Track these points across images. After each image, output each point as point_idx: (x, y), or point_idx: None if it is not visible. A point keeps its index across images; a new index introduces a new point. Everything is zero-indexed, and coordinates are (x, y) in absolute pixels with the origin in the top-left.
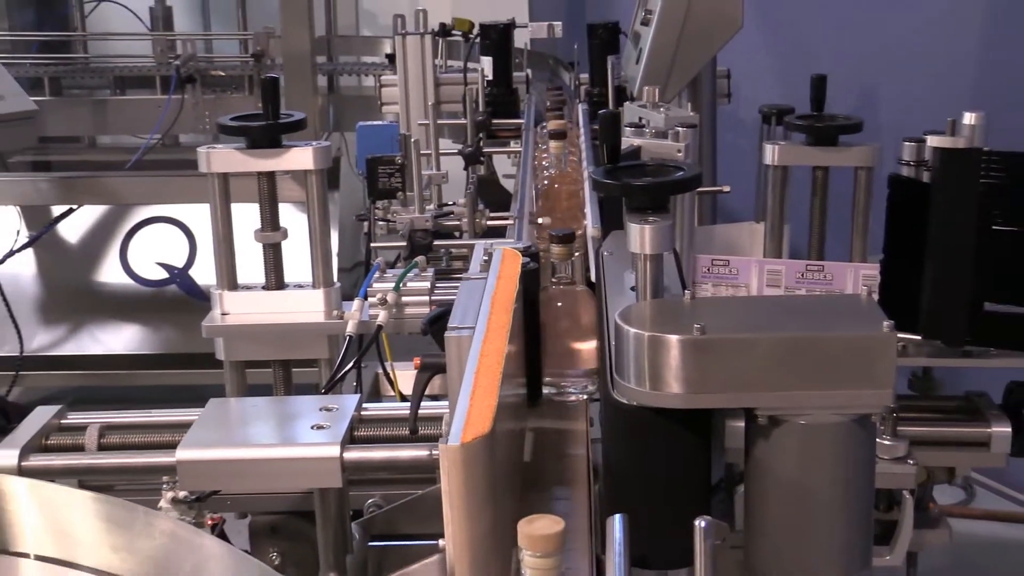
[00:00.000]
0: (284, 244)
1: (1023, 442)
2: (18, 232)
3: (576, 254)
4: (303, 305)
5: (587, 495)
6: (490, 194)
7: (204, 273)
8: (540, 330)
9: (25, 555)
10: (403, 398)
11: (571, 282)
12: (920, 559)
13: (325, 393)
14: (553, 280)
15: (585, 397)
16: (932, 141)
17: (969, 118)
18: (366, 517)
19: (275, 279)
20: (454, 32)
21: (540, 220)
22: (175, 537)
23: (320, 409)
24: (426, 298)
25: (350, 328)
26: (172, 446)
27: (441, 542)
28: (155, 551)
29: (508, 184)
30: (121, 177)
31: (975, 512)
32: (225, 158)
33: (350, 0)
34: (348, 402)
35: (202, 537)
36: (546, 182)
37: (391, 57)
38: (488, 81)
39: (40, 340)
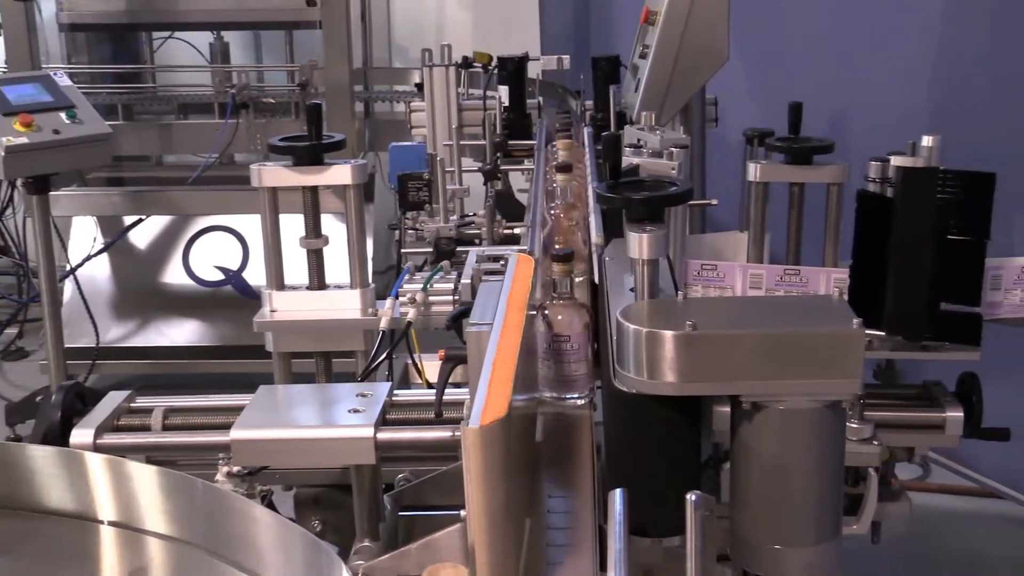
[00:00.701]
0: (325, 250)
1: (974, 425)
2: (94, 239)
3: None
4: (342, 303)
5: (591, 472)
6: (506, 206)
7: (255, 275)
8: None
9: (100, 521)
10: (429, 385)
11: (571, 297)
12: (883, 528)
13: (361, 381)
14: (554, 295)
15: (583, 402)
16: (895, 161)
17: (927, 141)
18: (397, 490)
19: (317, 280)
20: (475, 64)
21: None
22: (229, 507)
23: (356, 395)
24: (450, 298)
25: (383, 324)
26: (227, 427)
27: (462, 512)
28: (211, 519)
29: (522, 197)
30: (183, 191)
31: (931, 486)
32: (274, 174)
33: (383, 36)
34: (381, 389)
35: (253, 507)
36: (552, 212)
37: (419, 86)
38: (504, 107)
39: (113, 333)
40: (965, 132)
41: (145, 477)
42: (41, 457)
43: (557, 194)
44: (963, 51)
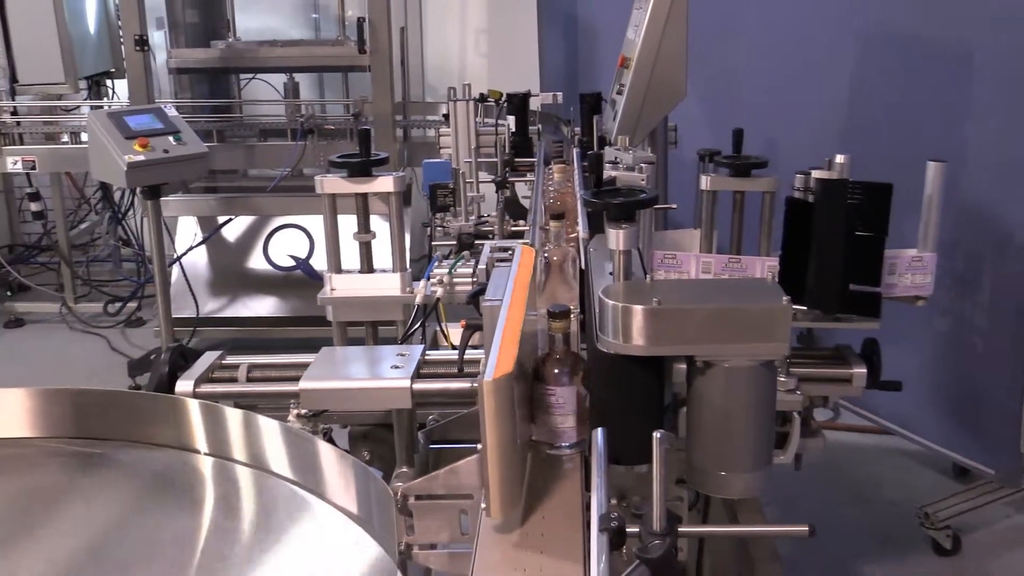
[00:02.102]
0: (373, 242)
1: (874, 379)
2: (195, 234)
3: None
4: (386, 284)
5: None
6: (513, 209)
7: (319, 261)
8: None
9: (198, 451)
10: (453, 347)
11: (568, 351)
12: (803, 458)
13: (400, 344)
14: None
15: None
16: (815, 174)
17: (840, 158)
18: (428, 428)
19: (367, 266)
20: (489, 99)
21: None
22: (298, 441)
23: (397, 355)
24: (470, 279)
25: (418, 299)
26: (296, 379)
27: (479, 445)
28: (285, 450)
29: (525, 202)
30: (263, 197)
31: (840, 426)
32: (333, 183)
33: (418, 77)
34: (416, 350)
35: (316, 441)
36: (545, 256)
37: (446, 116)
38: (512, 132)
39: (209, 306)
40: (869, 153)
41: (233, 418)
42: (153, 401)
43: (551, 237)
44: (867, 91)
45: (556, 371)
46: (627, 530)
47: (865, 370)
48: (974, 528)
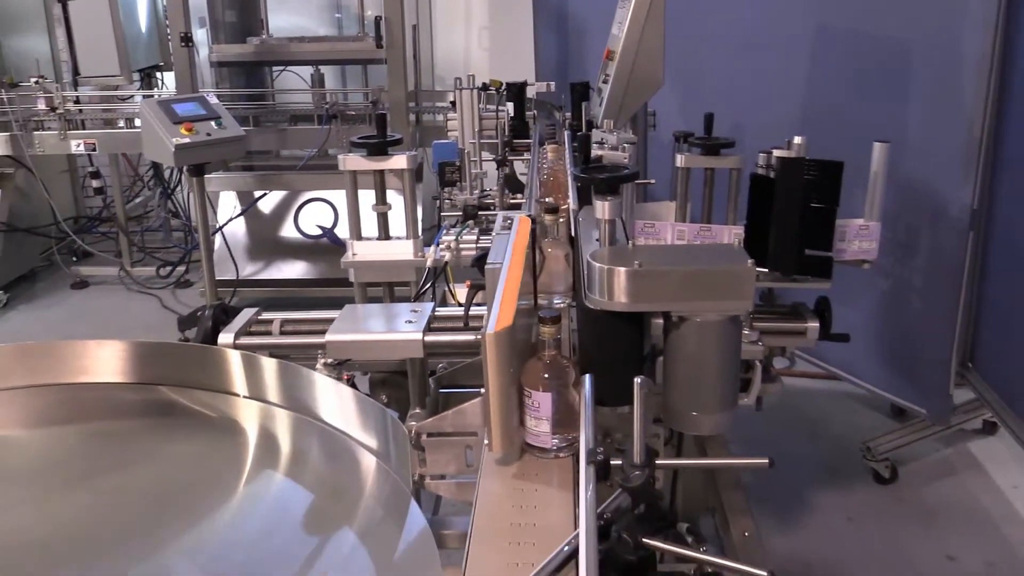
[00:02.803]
0: (389, 213)
1: (825, 332)
2: (234, 207)
3: (559, 335)
4: (400, 249)
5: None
6: (512, 184)
7: (342, 230)
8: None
9: (237, 395)
10: (460, 305)
11: (556, 355)
12: (764, 400)
13: (413, 301)
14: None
15: (565, 304)
16: (776, 153)
17: (797, 140)
18: (438, 375)
19: (384, 234)
20: (490, 88)
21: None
22: (325, 386)
23: (410, 311)
24: (474, 245)
25: (428, 263)
26: (323, 332)
27: (482, 390)
28: (312, 393)
29: (522, 178)
30: (294, 174)
31: (795, 372)
32: (354, 162)
33: (428, 69)
34: (427, 307)
35: (340, 386)
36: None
37: (453, 103)
38: (510, 117)
39: (247, 270)
40: (822, 135)
41: (268, 366)
42: (200, 352)
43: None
44: (820, 81)
45: (546, 375)
46: (611, 463)
47: (817, 324)
48: (909, 460)
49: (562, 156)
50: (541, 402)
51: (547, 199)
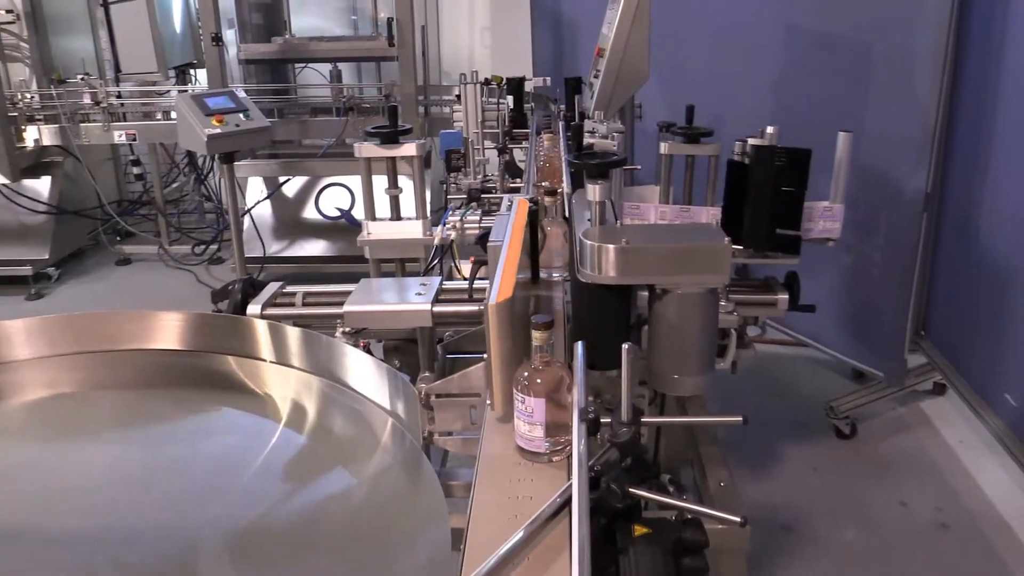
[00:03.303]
0: (400, 196)
1: (793, 303)
2: (261, 191)
3: (552, 341)
4: (411, 229)
5: (563, 331)
6: (511, 170)
7: (359, 212)
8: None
9: (263, 359)
10: (464, 279)
11: (549, 361)
12: (738, 365)
13: (423, 276)
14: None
15: (561, 278)
16: (751, 141)
17: (770, 129)
18: (445, 342)
19: (396, 215)
20: (492, 83)
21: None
22: (343, 351)
23: (420, 284)
24: (477, 225)
25: (436, 241)
26: (341, 303)
27: (485, 355)
28: (332, 359)
29: (521, 164)
30: (315, 161)
31: (767, 340)
32: (369, 149)
33: (436, 65)
34: (435, 281)
35: (357, 352)
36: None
37: (458, 96)
38: (510, 109)
39: (273, 247)
40: (792, 125)
41: (292, 334)
42: (231, 321)
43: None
44: (790, 76)
45: (539, 380)
46: (601, 420)
47: (787, 296)
48: (867, 418)
49: (557, 144)
50: (535, 408)
51: (544, 183)
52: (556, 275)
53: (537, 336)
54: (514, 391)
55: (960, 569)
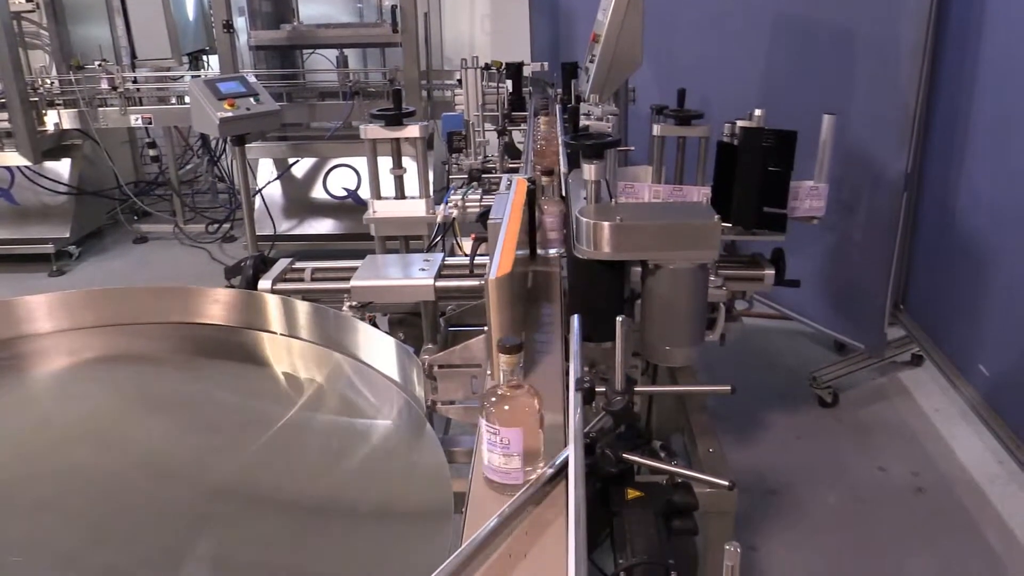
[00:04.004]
0: (404, 176)
1: (779, 278)
2: (271, 172)
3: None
4: (414, 207)
5: (559, 305)
6: (510, 151)
7: (365, 191)
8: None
9: (274, 332)
10: (466, 255)
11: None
12: (727, 337)
13: (426, 252)
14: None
15: (557, 254)
16: (740, 123)
17: (758, 112)
18: (447, 315)
19: (400, 194)
20: (492, 68)
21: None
22: (350, 325)
23: (423, 260)
24: (478, 203)
25: (439, 219)
26: (348, 279)
27: (485, 328)
28: (339, 332)
29: (520, 146)
30: (322, 143)
31: (753, 313)
32: (374, 131)
33: (438, 50)
34: (438, 257)
35: (364, 325)
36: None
37: (460, 80)
38: (509, 92)
39: (283, 226)
40: (779, 108)
41: (301, 308)
42: (243, 295)
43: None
44: (778, 61)
45: (507, 408)
46: (596, 389)
47: (773, 272)
48: (848, 387)
49: (554, 126)
50: (512, 438)
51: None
52: (553, 251)
53: (505, 360)
54: (481, 420)
55: (935, 530)
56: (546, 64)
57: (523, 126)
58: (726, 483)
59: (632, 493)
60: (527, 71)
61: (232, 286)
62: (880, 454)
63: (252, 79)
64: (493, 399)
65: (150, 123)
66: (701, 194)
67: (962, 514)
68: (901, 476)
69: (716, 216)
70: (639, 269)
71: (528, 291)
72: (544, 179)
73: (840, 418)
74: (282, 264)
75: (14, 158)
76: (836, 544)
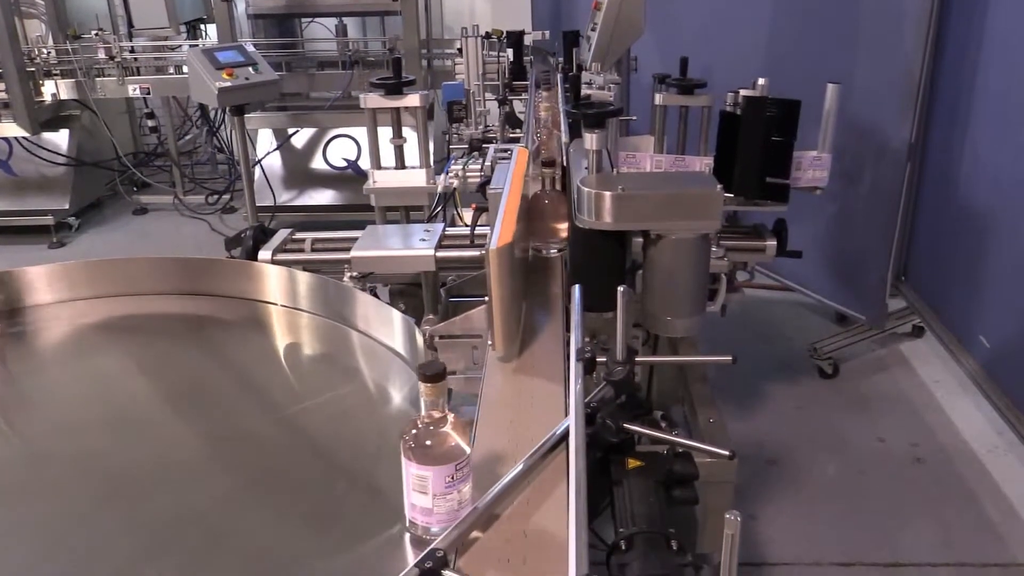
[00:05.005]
0: (404, 146)
1: (781, 249)
2: (271, 143)
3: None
4: (415, 177)
5: (561, 275)
6: (511, 120)
7: (364, 162)
8: None
9: (275, 303)
10: (466, 225)
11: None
12: (728, 308)
13: (427, 223)
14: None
15: (557, 253)
16: (743, 93)
17: (761, 81)
18: (448, 286)
19: (400, 164)
20: (492, 36)
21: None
22: (351, 295)
23: (424, 231)
24: (479, 173)
25: (439, 189)
26: (348, 249)
27: (486, 298)
28: (340, 302)
29: (520, 116)
30: (322, 113)
31: (755, 284)
32: (374, 100)
33: (439, 19)
34: (438, 227)
35: (364, 295)
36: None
37: (460, 49)
38: (510, 62)
39: (283, 197)
40: (783, 77)
41: (301, 278)
42: (243, 266)
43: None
44: (781, 30)
45: (428, 443)
46: (597, 360)
47: (775, 242)
48: (849, 358)
49: (555, 96)
50: (431, 477)
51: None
52: (554, 251)
53: (426, 390)
54: (403, 458)
55: (933, 500)
56: (547, 33)
57: (524, 96)
58: (726, 453)
59: (633, 463)
60: (528, 40)
61: (232, 257)
62: (880, 425)
63: (251, 48)
64: (413, 432)
65: (148, 93)
66: (703, 164)
67: (961, 485)
68: (900, 447)
69: (718, 186)
70: (640, 239)
71: (528, 262)
72: (544, 171)
73: (840, 389)
74: (282, 235)
75: (12, 129)
76: (835, 514)
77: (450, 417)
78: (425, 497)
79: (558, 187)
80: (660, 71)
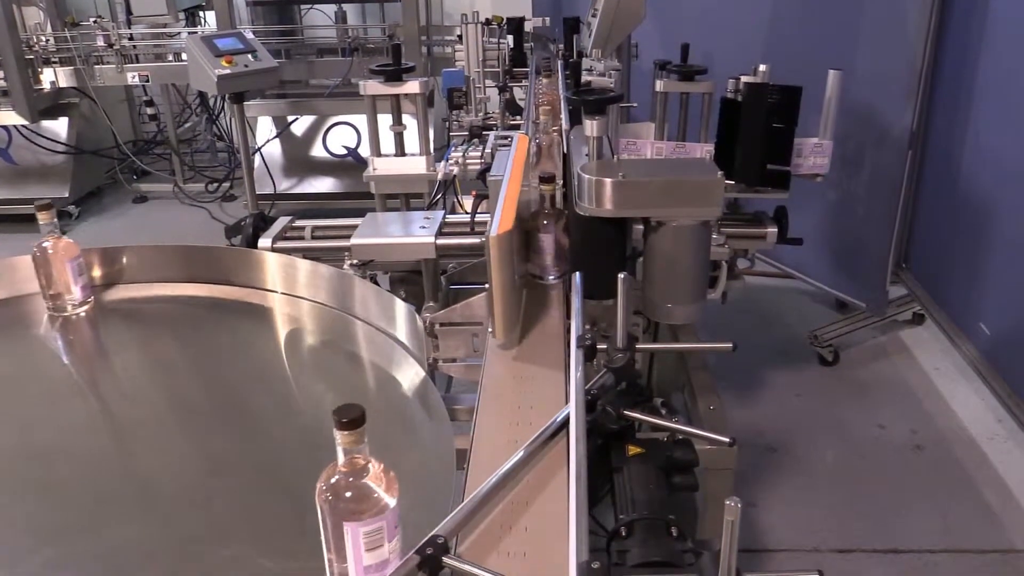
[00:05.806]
0: (404, 133)
1: (782, 236)
2: (271, 130)
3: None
4: (415, 164)
5: (561, 263)
6: (512, 107)
7: (364, 149)
8: None
9: (275, 291)
10: (467, 212)
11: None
12: (728, 295)
13: (427, 210)
14: None
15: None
16: (744, 79)
17: (762, 67)
18: (448, 273)
19: (400, 151)
20: (493, 23)
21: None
22: (351, 282)
23: (424, 218)
24: (479, 160)
25: (439, 176)
26: (348, 237)
27: (487, 286)
28: (340, 290)
29: (521, 103)
30: (322, 100)
31: (755, 272)
32: (374, 87)
33: (438, 5)
34: (439, 215)
35: (364, 283)
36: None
37: (460, 36)
38: (510, 49)
39: (283, 184)
40: (784, 63)
41: (301, 266)
42: (243, 254)
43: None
44: (783, 16)
45: (348, 495)
46: (598, 347)
47: (776, 230)
48: (849, 346)
49: (556, 82)
50: (351, 534)
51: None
52: (552, 278)
53: (343, 439)
54: (319, 511)
55: (933, 487)
56: (547, 19)
57: (524, 82)
58: (726, 440)
59: (633, 449)
60: (528, 26)
61: (233, 245)
62: (880, 412)
63: (250, 35)
64: (331, 481)
65: (147, 81)
66: (704, 151)
67: (960, 472)
68: (900, 434)
69: (719, 173)
70: (641, 226)
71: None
72: (543, 187)
73: (840, 376)
74: (282, 222)
75: (11, 117)
76: (835, 501)
77: (372, 466)
78: (340, 555)
79: (558, 204)
80: (661, 57)
